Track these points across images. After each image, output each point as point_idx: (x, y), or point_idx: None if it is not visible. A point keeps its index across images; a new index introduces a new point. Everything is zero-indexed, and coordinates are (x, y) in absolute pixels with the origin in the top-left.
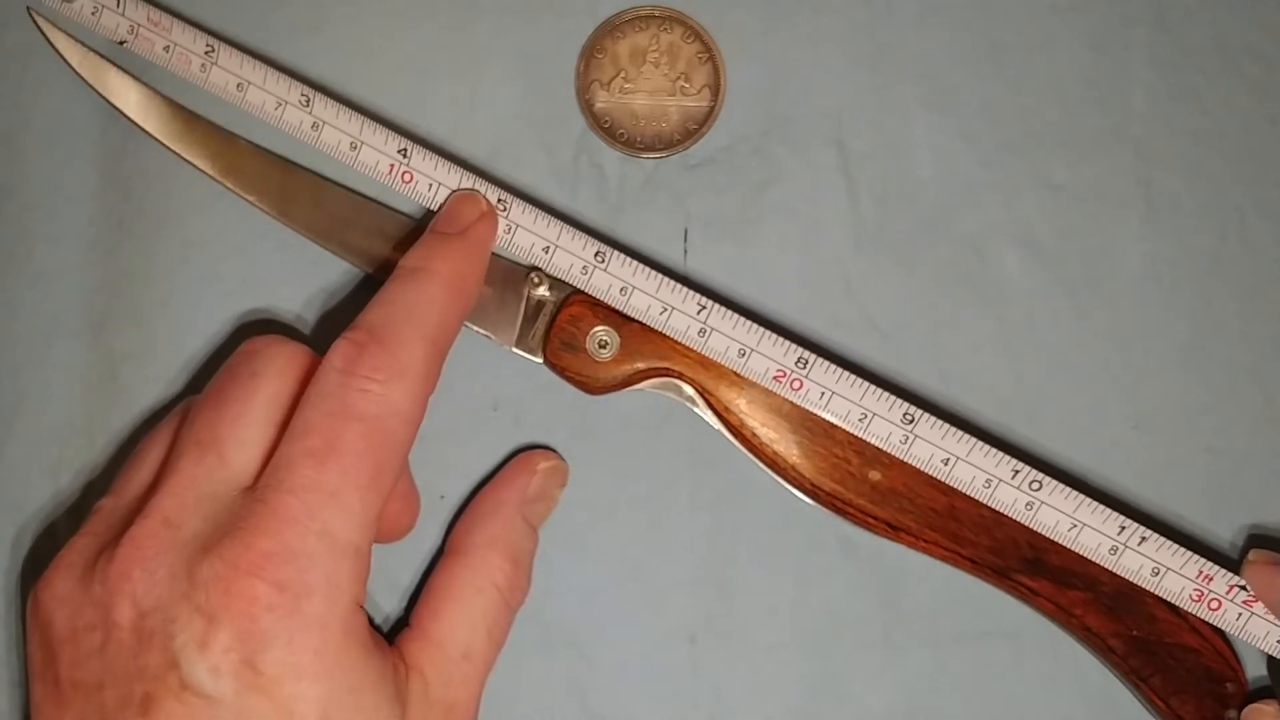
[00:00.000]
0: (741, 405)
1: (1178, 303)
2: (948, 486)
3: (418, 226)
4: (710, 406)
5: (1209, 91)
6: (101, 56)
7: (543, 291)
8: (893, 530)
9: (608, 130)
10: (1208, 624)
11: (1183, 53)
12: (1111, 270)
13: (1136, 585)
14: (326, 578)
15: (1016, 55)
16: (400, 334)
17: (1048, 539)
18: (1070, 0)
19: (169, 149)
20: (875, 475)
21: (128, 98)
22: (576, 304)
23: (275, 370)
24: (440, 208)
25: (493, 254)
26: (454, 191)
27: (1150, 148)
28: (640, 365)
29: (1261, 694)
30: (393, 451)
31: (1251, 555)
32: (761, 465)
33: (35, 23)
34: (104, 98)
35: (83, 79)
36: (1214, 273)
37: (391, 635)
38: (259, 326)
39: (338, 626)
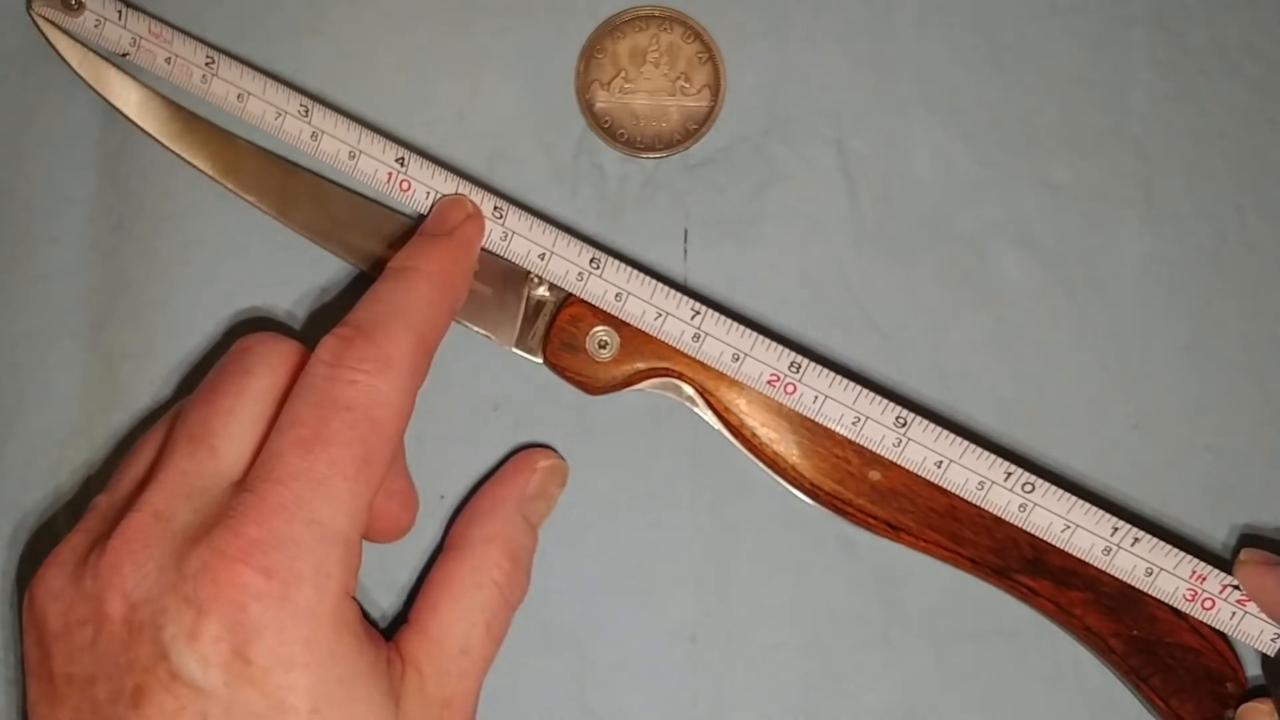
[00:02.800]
0: (741, 405)
1: (1178, 303)
2: None
3: (417, 228)
4: (710, 406)
5: (1209, 91)
6: (101, 57)
7: (542, 292)
8: (893, 530)
9: (608, 130)
10: (1208, 624)
11: (1183, 53)
12: (1111, 270)
13: (1136, 585)
14: (315, 565)
15: (1016, 55)
16: (387, 328)
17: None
18: (1070, 0)
19: (169, 149)
20: (875, 475)
21: (128, 98)
22: (576, 304)
23: (267, 366)
24: (428, 212)
25: (493, 255)
26: (442, 196)
27: (1150, 148)
28: (640, 365)
29: (1260, 694)
30: (381, 442)
31: (1243, 555)
32: (761, 465)
33: (36, 24)
34: (104, 98)
35: (83, 80)
36: (1214, 273)
37: (389, 632)
38: (258, 326)
39: (328, 616)
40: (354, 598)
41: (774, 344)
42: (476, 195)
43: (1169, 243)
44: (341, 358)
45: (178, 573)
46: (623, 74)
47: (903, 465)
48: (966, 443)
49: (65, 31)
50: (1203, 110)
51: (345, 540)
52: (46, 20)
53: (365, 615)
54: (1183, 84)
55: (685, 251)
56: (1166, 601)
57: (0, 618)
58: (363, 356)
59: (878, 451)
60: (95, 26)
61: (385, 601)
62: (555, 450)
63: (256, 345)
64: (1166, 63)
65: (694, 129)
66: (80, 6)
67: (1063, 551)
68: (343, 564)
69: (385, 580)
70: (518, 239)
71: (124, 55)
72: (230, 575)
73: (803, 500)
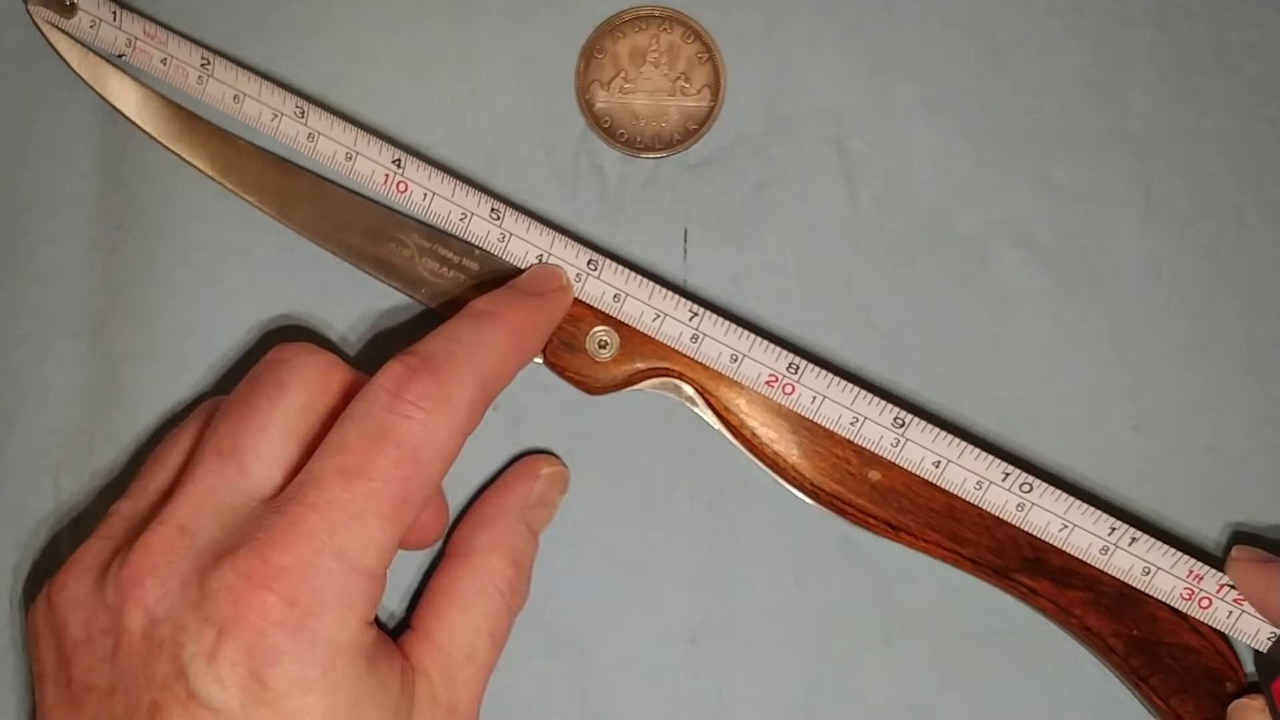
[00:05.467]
0: (741, 405)
1: (1178, 303)
2: None
3: (417, 227)
4: (710, 406)
5: (1209, 91)
6: (101, 57)
7: None
8: (893, 530)
9: (608, 130)
10: (1208, 624)
11: (1183, 53)
12: (1111, 270)
13: (1134, 584)
14: (338, 598)
15: (1016, 55)
16: (455, 368)
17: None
18: (1070, 0)
19: (169, 149)
20: (875, 475)
21: (127, 98)
22: (576, 303)
23: (301, 382)
24: (525, 272)
25: (493, 255)
26: (540, 262)
27: (1150, 148)
28: (640, 365)
29: (1255, 690)
30: (423, 484)
31: (1235, 552)
32: (761, 465)
33: (36, 24)
34: (104, 99)
35: (83, 80)
36: (1214, 273)
37: (393, 634)
38: (260, 327)
39: (346, 644)
40: (371, 622)
41: (772, 345)
42: (474, 195)
43: (1169, 243)
44: (403, 389)
45: (200, 591)
46: (623, 74)
47: (901, 465)
48: (964, 443)
49: (62, 32)
50: (1203, 110)
51: (371, 574)
52: (43, 18)
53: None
54: (1183, 84)
55: (685, 251)
56: (1164, 600)
57: (2, 617)
58: (424, 393)
59: (876, 452)
60: (90, 28)
61: (388, 603)
62: (557, 456)
63: (291, 358)
64: (1166, 63)
65: (694, 129)
66: (74, 7)
67: (1062, 551)
68: (365, 597)
69: (388, 581)
70: (515, 240)
71: (119, 57)
72: (253, 600)
73: (803, 500)
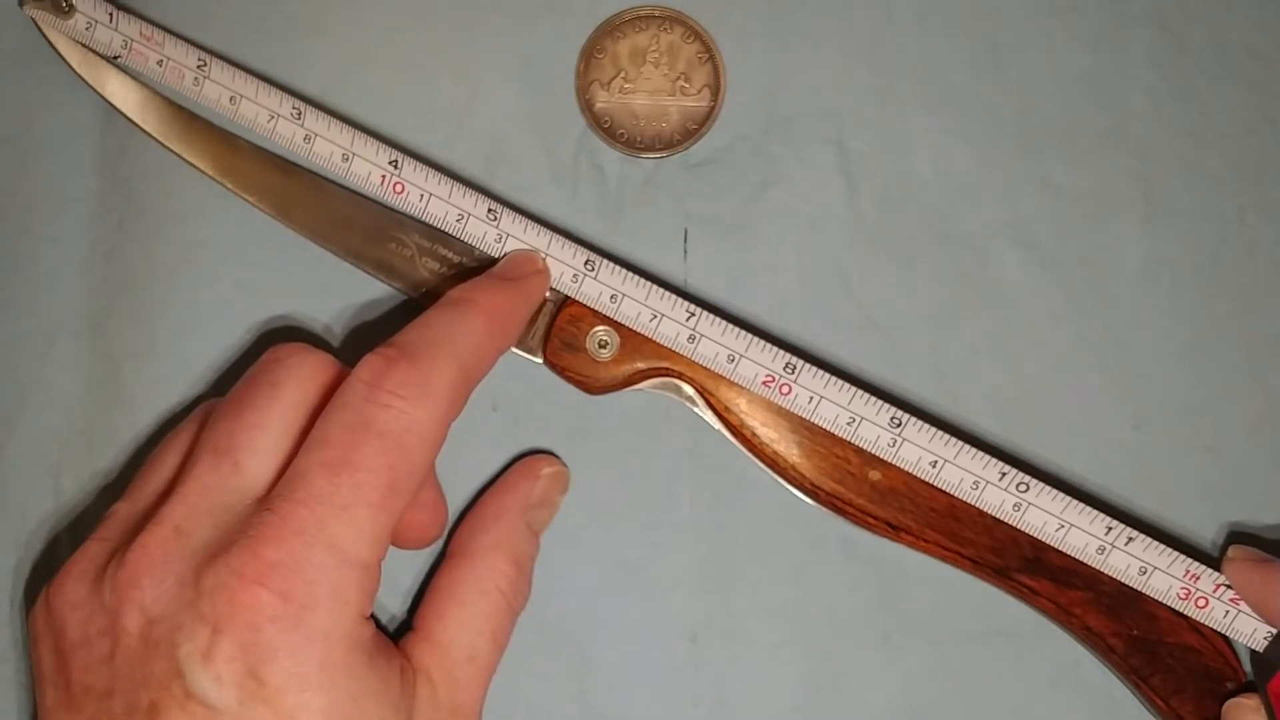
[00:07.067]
0: (741, 405)
1: (1178, 303)
2: None
3: (418, 227)
4: (710, 406)
5: (1209, 91)
6: (101, 57)
7: None
8: (893, 530)
9: (608, 130)
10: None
11: (1183, 53)
12: (1111, 270)
13: (1130, 584)
14: (332, 590)
15: (1016, 55)
16: (433, 355)
17: None
18: (1070, 0)
19: (169, 149)
20: (875, 475)
21: (127, 98)
22: (576, 304)
23: (296, 380)
24: (500, 259)
25: (494, 256)
26: (517, 250)
27: (1150, 148)
28: (640, 365)
29: (1252, 689)
30: (409, 471)
31: (1231, 552)
32: (761, 465)
33: (36, 24)
34: (104, 98)
35: (83, 80)
36: (1214, 273)
37: (394, 636)
38: (259, 327)
39: (342, 638)
40: (368, 617)
41: (769, 345)
42: (471, 196)
43: (1169, 243)
44: (381, 379)
45: (195, 590)
46: (623, 74)
47: (898, 465)
48: (961, 443)
49: (61, 26)
50: (1203, 110)
51: (364, 566)
52: (43, 17)
53: (375, 623)
54: (1183, 84)
55: (685, 251)
56: (1160, 600)
57: (3, 617)
58: (403, 380)
59: (873, 452)
60: (86, 29)
61: (389, 604)
62: (557, 456)
63: (287, 357)
64: (1166, 63)
65: (694, 129)
66: (71, 9)
67: (1063, 551)
68: (359, 588)
69: (388, 583)
70: (512, 241)
71: (115, 58)
72: (246, 596)
73: (803, 500)
